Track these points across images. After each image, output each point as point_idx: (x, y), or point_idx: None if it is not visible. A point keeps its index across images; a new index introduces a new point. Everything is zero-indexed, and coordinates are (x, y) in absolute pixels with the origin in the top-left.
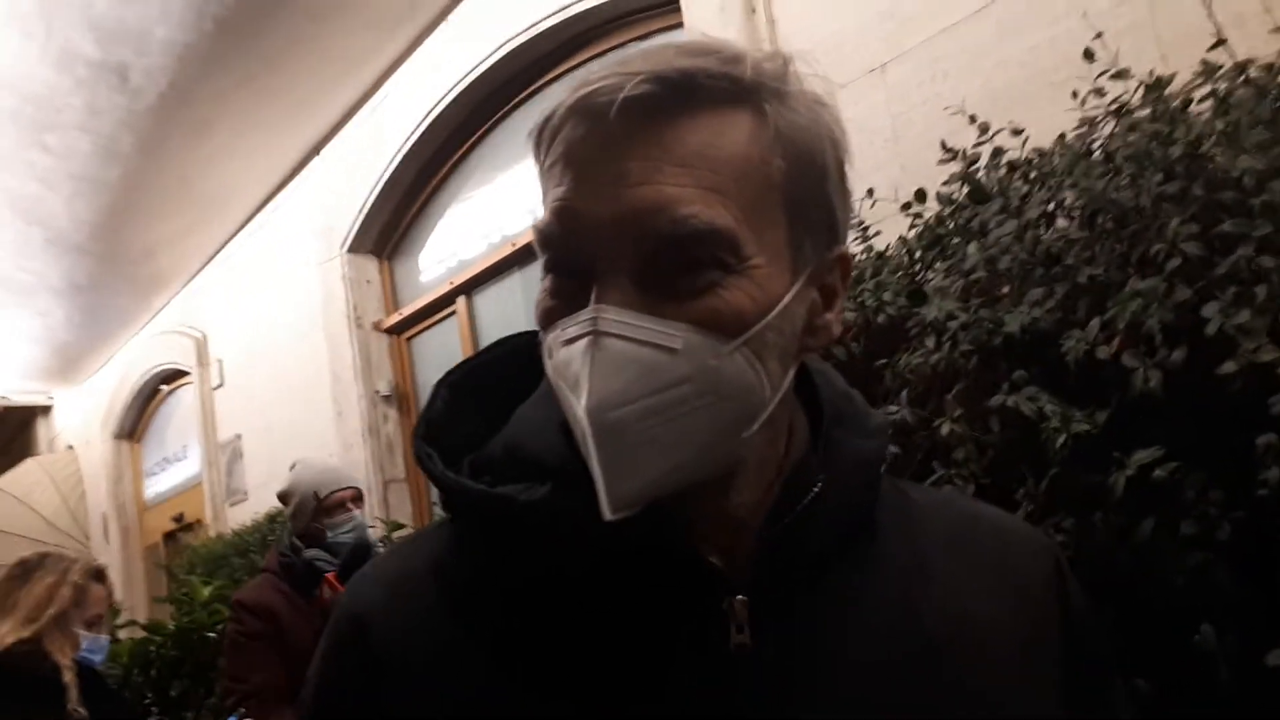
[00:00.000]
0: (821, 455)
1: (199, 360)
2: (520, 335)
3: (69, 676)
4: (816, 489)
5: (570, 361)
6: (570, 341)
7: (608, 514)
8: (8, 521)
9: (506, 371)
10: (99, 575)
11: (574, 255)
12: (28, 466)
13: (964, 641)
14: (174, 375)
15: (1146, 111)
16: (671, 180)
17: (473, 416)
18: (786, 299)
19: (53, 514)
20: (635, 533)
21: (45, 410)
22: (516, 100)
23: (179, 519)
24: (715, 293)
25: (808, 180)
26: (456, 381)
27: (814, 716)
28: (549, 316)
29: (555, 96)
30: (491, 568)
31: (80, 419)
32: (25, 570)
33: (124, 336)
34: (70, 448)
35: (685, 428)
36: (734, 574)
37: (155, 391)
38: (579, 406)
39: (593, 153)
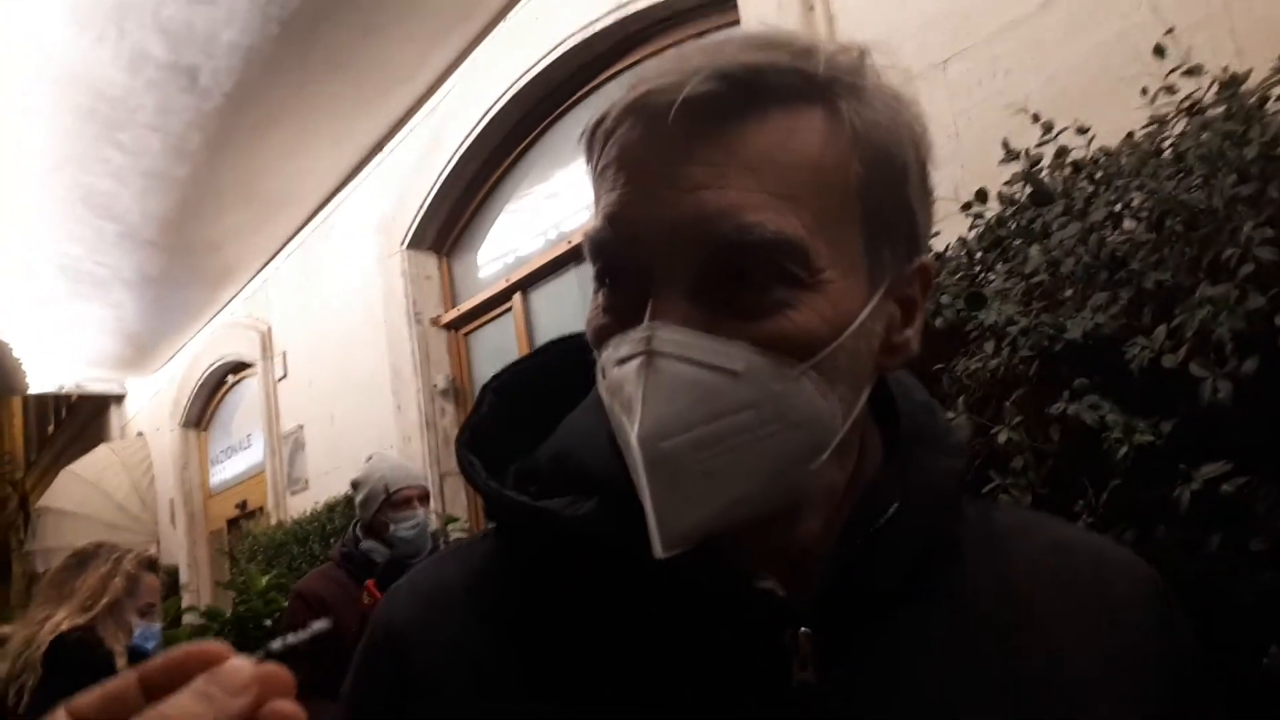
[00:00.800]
0: (897, 475)
1: (264, 352)
2: (570, 338)
3: (122, 663)
4: (891, 512)
5: (623, 383)
6: (623, 361)
7: (659, 551)
8: (81, 504)
9: (555, 376)
10: (151, 565)
11: (628, 265)
12: (100, 452)
13: (1056, 684)
14: (239, 366)
15: (1220, 110)
16: (737, 185)
17: (520, 422)
18: (862, 316)
19: (123, 498)
20: (686, 559)
21: (118, 399)
22: (572, 100)
23: (242, 506)
24: (783, 311)
25: (887, 184)
26: (503, 386)
27: None
28: (601, 334)
29: (611, 95)
30: (533, 584)
31: (150, 407)
32: (81, 560)
33: (192, 328)
34: (140, 435)
35: (745, 459)
36: (797, 604)
37: (222, 382)
38: (631, 433)
39: (650, 155)
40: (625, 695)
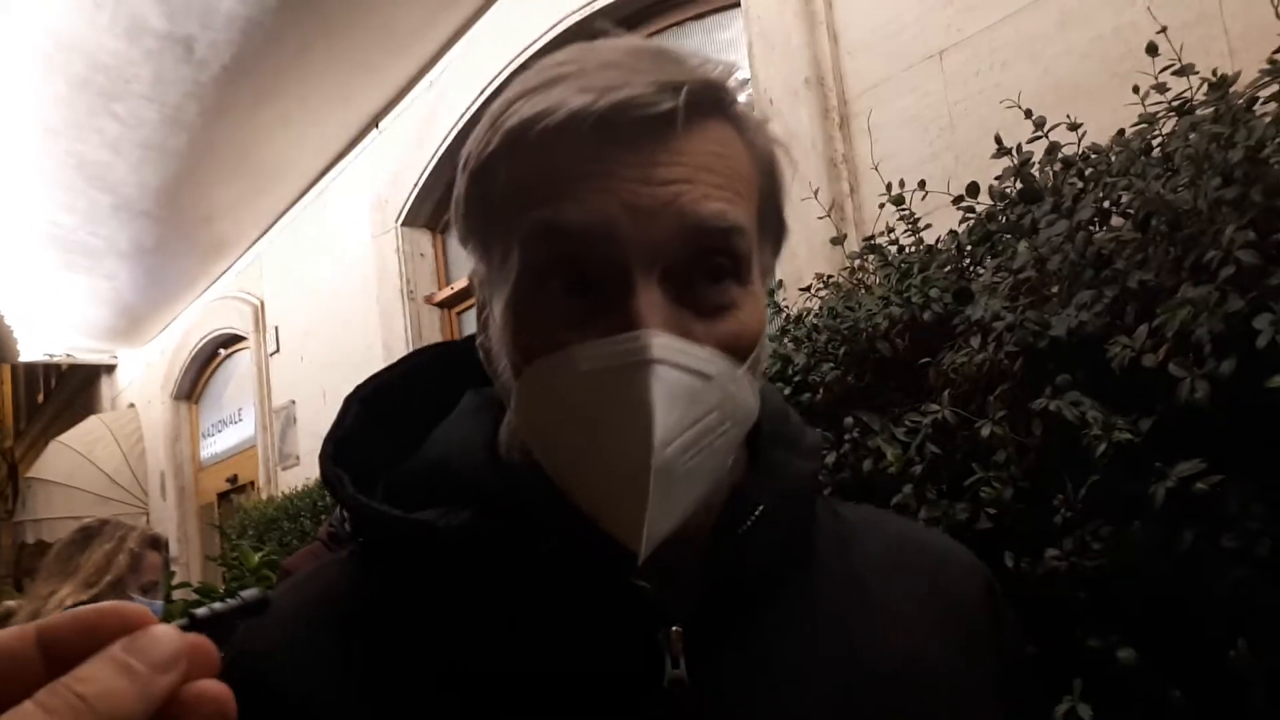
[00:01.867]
0: (761, 478)
1: (256, 326)
2: (435, 347)
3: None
4: (758, 513)
5: (612, 391)
6: (612, 368)
7: (643, 554)
8: (71, 475)
9: (423, 385)
10: (155, 543)
11: (597, 262)
12: (91, 423)
13: (905, 670)
14: (232, 340)
15: (1209, 111)
16: (705, 180)
17: (387, 434)
18: (768, 317)
19: (114, 470)
20: (577, 561)
21: (109, 369)
22: None
23: (233, 480)
24: (734, 313)
25: (773, 192)
26: (368, 397)
27: None
28: (559, 338)
29: (523, 97)
30: (399, 602)
31: (142, 379)
32: (85, 536)
33: (185, 300)
34: (131, 406)
35: (709, 458)
36: (672, 602)
37: (214, 355)
38: (626, 445)
39: (615, 159)
40: (501, 700)
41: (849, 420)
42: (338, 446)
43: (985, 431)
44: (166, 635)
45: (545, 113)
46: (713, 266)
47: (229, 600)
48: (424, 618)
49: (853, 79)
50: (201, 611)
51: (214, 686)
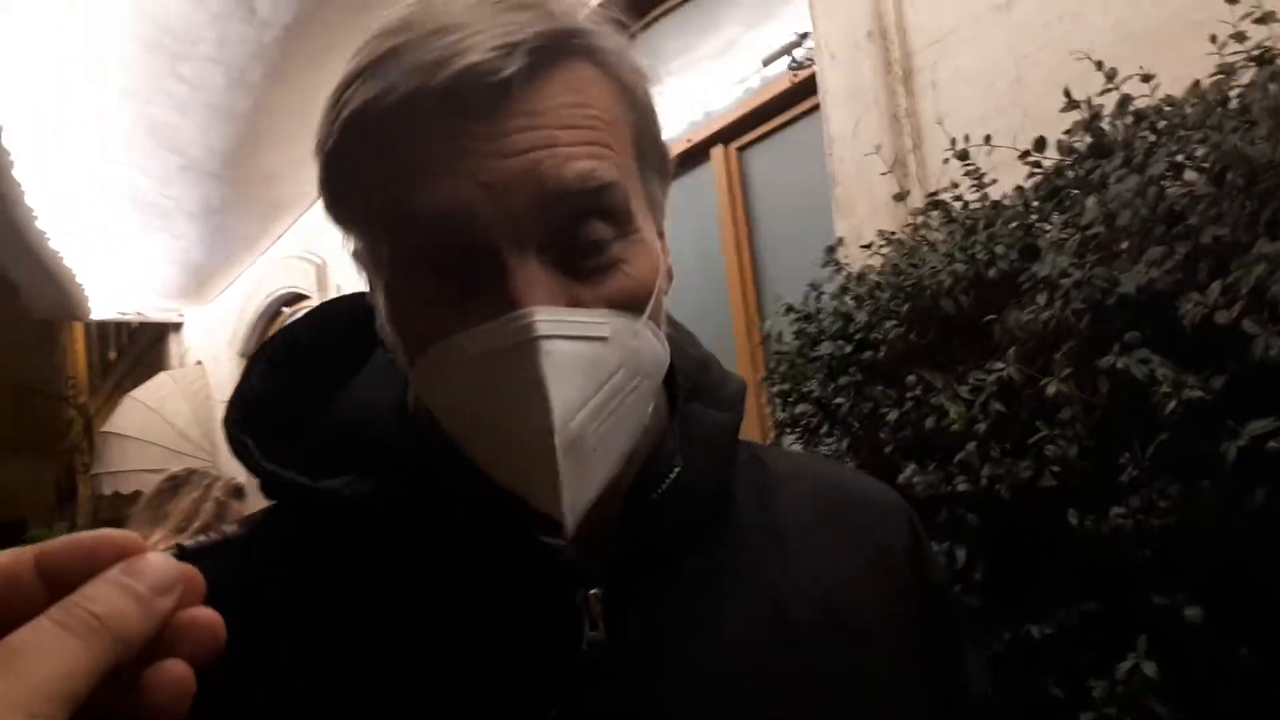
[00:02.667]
0: (677, 433)
1: (319, 285)
2: (340, 300)
3: None
4: (674, 475)
5: (505, 373)
6: (499, 351)
7: (570, 529)
8: (143, 430)
9: (331, 341)
10: (238, 493)
11: (468, 244)
12: (161, 380)
13: (828, 620)
14: (295, 299)
15: None
16: (564, 141)
17: (294, 392)
18: (663, 258)
19: (183, 425)
20: (488, 524)
21: (177, 327)
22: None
23: None
24: (620, 267)
25: (647, 125)
26: (275, 353)
27: (675, 714)
28: (434, 329)
29: (357, 78)
30: (314, 568)
31: (209, 336)
32: (174, 485)
33: (249, 259)
34: (199, 363)
35: (622, 419)
36: (590, 563)
37: (278, 313)
38: (527, 423)
39: (460, 132)
40: (415, 674)
41: (912, 378)
42: (244, 410)
43: (1051, 390)
44: (163, 561)
45: (378, 98)
46: (589, 229)
47: (212, 535)
48: (340, 584)
49: (916, 32)
50: (190, 544)
51: (205, 613)
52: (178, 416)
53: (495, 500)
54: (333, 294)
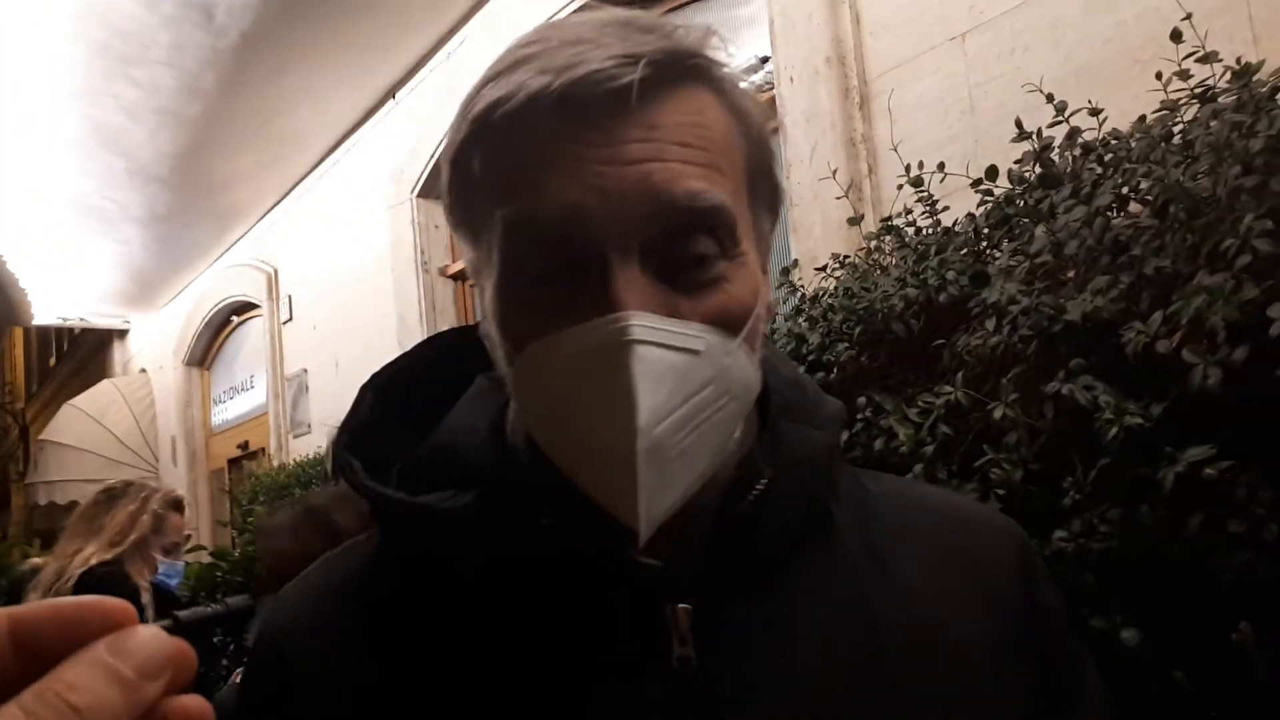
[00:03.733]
0: (769, 448)
1: (269, 294)
2: (448, 333)
3: (146, 597)
4: (762, 485)
5: (596, 374)
6: (591, 352)
7: (645, 537)
8: (82, 439)
9: (437, 373)
10: (178, 505)
11: (573, 247)
12: (103, 387)
13: (924, 645)
14: (244, 307)
15: (1231, 99)
16: (677, 158)
17: (402, 421)
18: (764, 286)
19: (125, 434)
20: (578, 539)
21: (121, 334)
22: None
23: (244, 447)
24: (722, 286)
25: (761, 157)
26: (384, 385)
27: None
28: (539, 327)
29: (489, 82)
30: (413, 584)
31: (154, 344)
32: (110, 497)
33: (199, 267)
34: (143, 371)
35: (707, 434)
36: (679, 578)
37: (226, 322)
38: (613, 425)
39: (580, 138)
40: (507, 689)
41: (862, 400)
42: (351, 435)
43: (997, 414)
44: (154, 639)
45: (506, 97)
46: (693, 244)
47: (214, 606)
48: (435, 600)
49: (874, 59)
50: (186, 614)
51: (196, 704)
52: (120, 425)
53: (584, 514)
54: (283, 303)
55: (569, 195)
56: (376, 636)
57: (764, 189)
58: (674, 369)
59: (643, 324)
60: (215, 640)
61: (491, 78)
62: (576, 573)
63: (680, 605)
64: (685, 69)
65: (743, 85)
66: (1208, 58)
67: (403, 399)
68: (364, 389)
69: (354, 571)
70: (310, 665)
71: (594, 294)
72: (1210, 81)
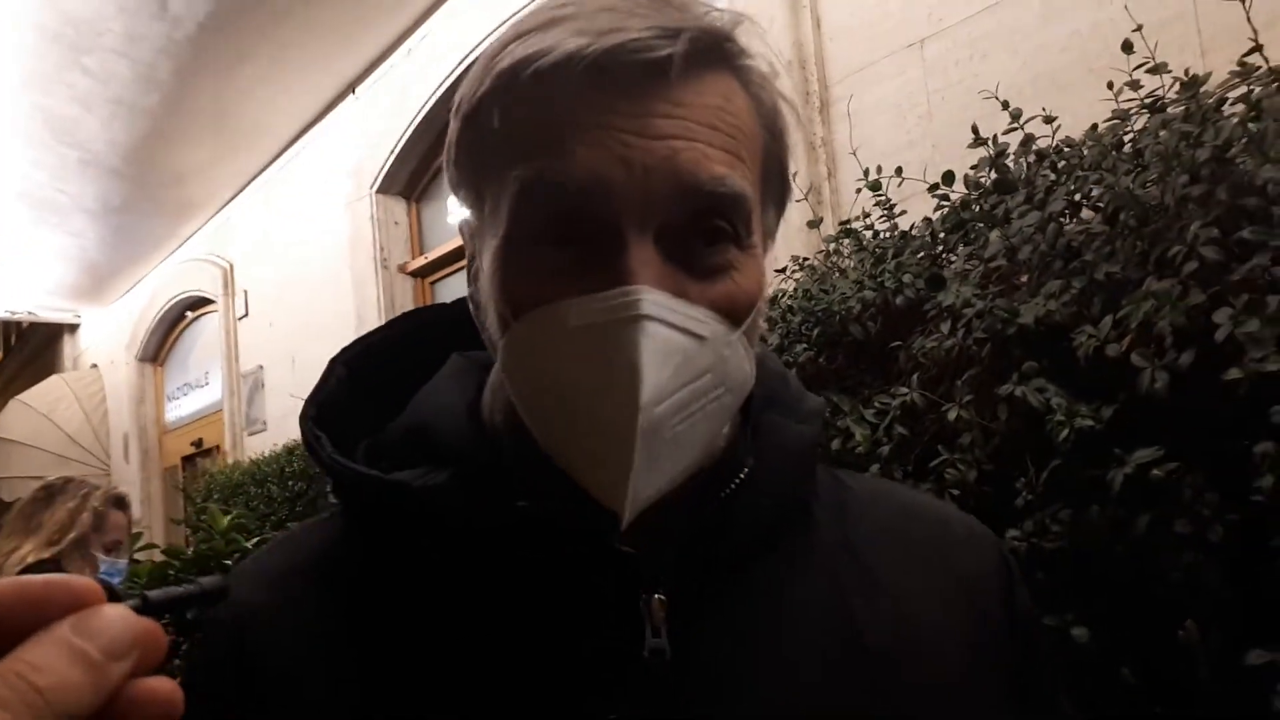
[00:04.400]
0: (750, 440)
1: (225, 289)
2: (421, 311)
3: None
4: (741, 476)
5: (601, 347)
6: (598, 325)
7: (627, 517)
8: (31, 435)
9: (408, 350)
10: (119, 502)
11: (589, 216)
12: (53, 383)
13: (901, 643)
14: (199, 303)
15: (1180, 109)
16: (701, 139)
17: (370, 397)
18: (768, 280)
19: (75, 430)
20: (556, 522)
21: (72, 329)
22: None
23: (198, 444)
24: (731, 275)
25: (777, 152)
26: (353, 360)
27: None
28: (543, 293)
29: (518, 38)
30: (382, 564)
31: (106, 339)
32: (49, 494)
33: (153, 261)
34: (95, 367)
35: (700, 423)
36: (655, 568)
37: (180, 317)
38: (614, 398)
39: (609, 106)
40: (475, 672)
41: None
42: (319, 409)
43: (952, 415)
44: (121, 618)
45: (538, 54)
46: (710, 228)
47: (186, 585)
48: (405, 580)
49: (834, 63)
50: (156, 594)
51: (165, 685)
52: (70, 422)
53: (563, 497)
54: (239, 298)
55: (593, 163)
56: (346, 618)
57: (775, 185)
58: (679, 351)
59: (655, 300)
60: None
61: (520, 35)
62: (553, 557)
63: (656, 595)
64: (717, 52)
65: (769, 76)
66: (1157, 69)
67: (373, 375)
68: (333, 362)
69: (320, 551)
70: (274, 648)
71: (607, 266)
72: (1160, 92)
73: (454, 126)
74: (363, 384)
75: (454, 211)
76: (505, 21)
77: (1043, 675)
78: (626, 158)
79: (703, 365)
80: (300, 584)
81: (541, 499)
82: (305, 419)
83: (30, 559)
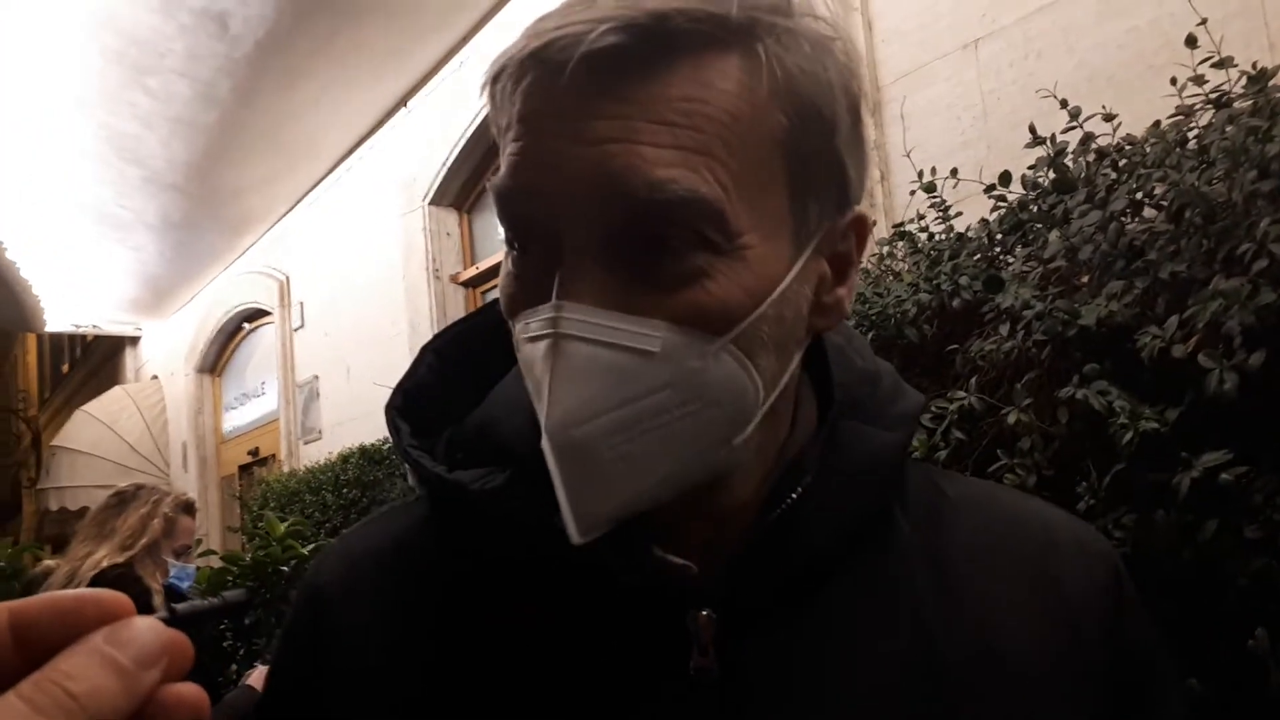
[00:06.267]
0: (823, 447)
1: (281, 301)
2: None
3: (158, 600)
4: (800, 489)
5: (532, 365)
6: (532, 340)
7: (575, 538)
8: (94, 445)
9: (497, 337)
10: (188, 508)
11: (534, 227)
12: (115, 394)
13: (985, 669)
14: (256, 314)
15: (1247, 104)
16: (648, 140)
17: (458, 385)
18: (786, 280)
19: (136, 440)
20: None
21: (134, 341)
22: None
23: (254, 453)
24: (700, 282)
25: (814, 135)
26: (444, 347)
27: None
28: (512, 305)
29: (509, 42)
30: (451, 554)
31: (166, 351)
32: (121, 500)
33: (211, 274)
34: (155, 378)
35: (664, 440)
36: (711, 581)
37: (238, 329)
38: (540, 418)
39: (551, 109)
40: (522, 675)
41: None
42: (406, 397)
43: (1011, 419)
44: (151, 629)
45: (500, 57)
46: (659, 236)
47: (211, 600)
48: (466, 576)
49: (886, 66)
50: (183, 607)
51: (192, 691)
52: (131, 432)
53: None
54: (294, 310)
55: (524, 173)
56: (414, 603)
57: (815, 173)
58: (608, 369)
59: (575, 318)
60: (225, 645)
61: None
62: (600, 569)
63: (704, 612)
64: (692, 34)
65: (796, 52)
66: (1223, 63)
67: (461, 363)
68: (424, 349)
69: (399, 536)
70: (348, 621)
71: (546, 279)
72: (1225, 87)
73: None
74: (452, 371)
75: None
76: None
77: (1158, 709)
78: (557, 165)
79: (656, 381)
80: (373, 567)
81: None
82: (391, 407)
83: (104, 564)
